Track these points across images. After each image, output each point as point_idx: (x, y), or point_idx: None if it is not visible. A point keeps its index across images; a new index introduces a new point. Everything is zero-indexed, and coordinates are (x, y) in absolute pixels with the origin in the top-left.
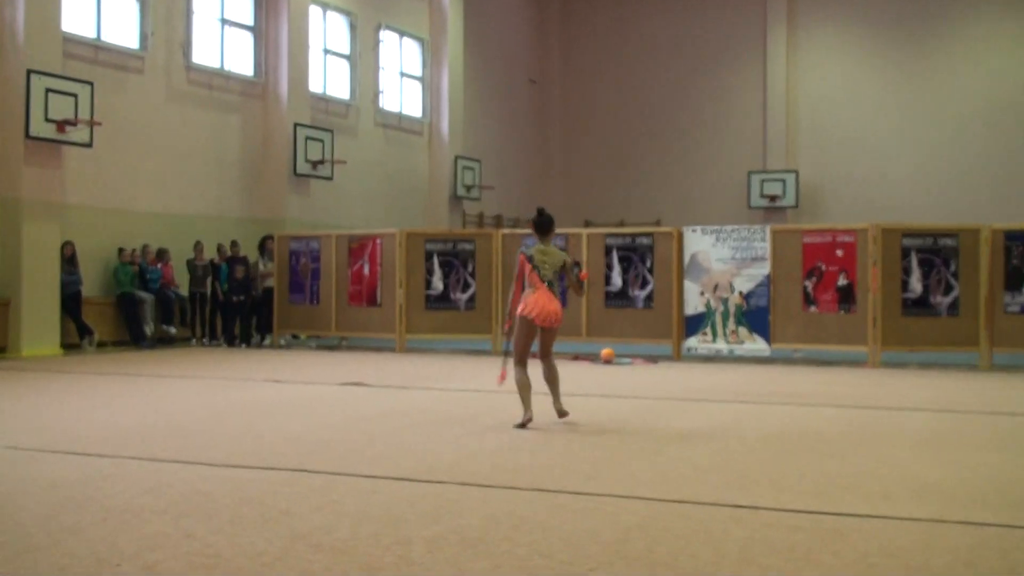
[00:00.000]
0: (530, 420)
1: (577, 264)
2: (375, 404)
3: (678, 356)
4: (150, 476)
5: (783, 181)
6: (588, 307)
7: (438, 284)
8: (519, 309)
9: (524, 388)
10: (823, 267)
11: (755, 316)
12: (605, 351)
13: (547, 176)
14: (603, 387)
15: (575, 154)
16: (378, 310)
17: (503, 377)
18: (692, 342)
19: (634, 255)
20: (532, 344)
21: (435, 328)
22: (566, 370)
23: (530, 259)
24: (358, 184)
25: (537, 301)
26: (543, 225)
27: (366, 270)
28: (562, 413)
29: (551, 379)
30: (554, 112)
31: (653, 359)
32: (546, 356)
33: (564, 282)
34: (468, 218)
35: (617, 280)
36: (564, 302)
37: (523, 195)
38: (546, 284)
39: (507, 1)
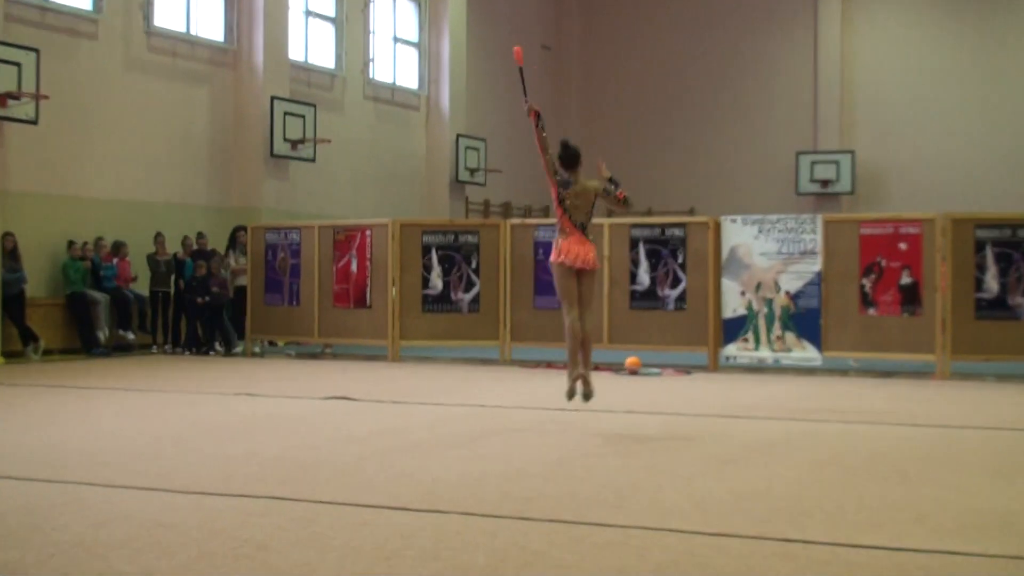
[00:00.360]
0: (575, 392)
1: (613, 182)
2: (364, 421)
3: (715, 366)
4: (105, 505)
5: (836, 163)
6: (610, 309)
7: (437, 283)
8: (552, 256)
9: (573, 337)
10: (883, 263)
11: (804, 320)
12: (630, 360)
13: None
14: (628, 402)
15: (596, 132)
16: (367, 313)
17: (518, 54)
18: (731, 350)
19: (664, 249)
20: (575, 286)
21: (434, 334)
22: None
23: (562, 202)
24: (345, 167)
25: (569, 247)
26: (569, 159)
27: (354, 266)
28: (587, 392)
29: (583, 341)
30: (572, 84)
31: (686, 369)
32: (585, 310)
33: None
34: (472, 206)
35: (644, 278)
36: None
37: (535, 179)
38: (579, 228)
39: None
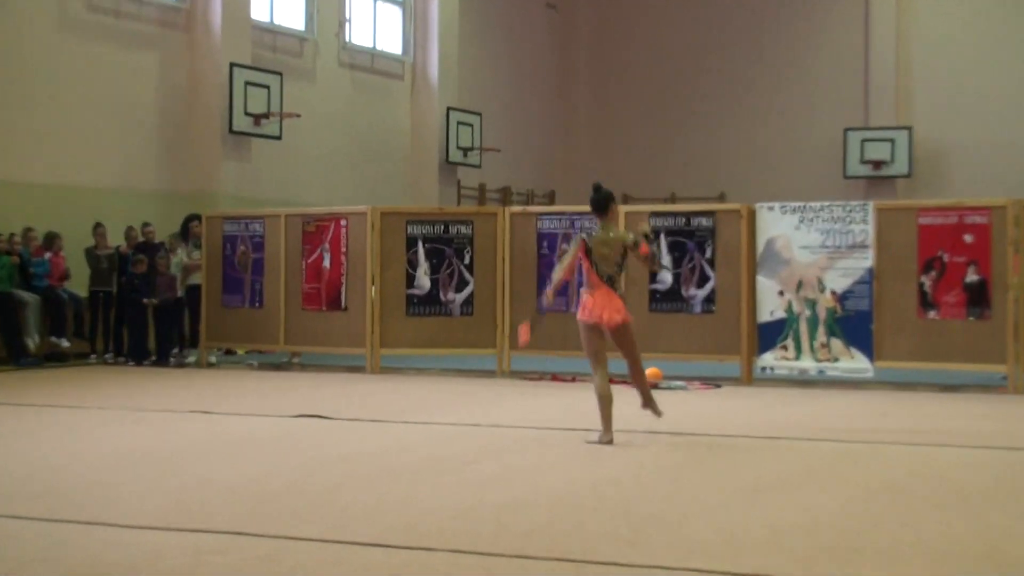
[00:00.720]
0: (610, 442)
1: (647, 237)
2: (339, 444)
3: (749, 378)
4: (36, 541)
5: (891, 142)
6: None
7: (424, 281)
8: (578, 314)
9: (602, 400)
10: (946, 258)
11: (853, 324)
12: (649, 371)
13: (571, 135)
14: (648, 420)
15: (609, 105)
16: (342, 316)
17: (524, 336)
18: (768, 359)
19: (689, 242)
20: (603, 344)
21: (420, 341)
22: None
23: (588, 253)
24: (316, 146)
25: (595, 304)
26: (600, 203)
27: (326, 262)
28: (656, 411)
29: (637, 383)
30: (581, 49)
31: (714, 382)
32: (630, 361)
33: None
34: (465, 191)
35: (666, 276)
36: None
37: (538, 160)
38: (605, 281)
39: None
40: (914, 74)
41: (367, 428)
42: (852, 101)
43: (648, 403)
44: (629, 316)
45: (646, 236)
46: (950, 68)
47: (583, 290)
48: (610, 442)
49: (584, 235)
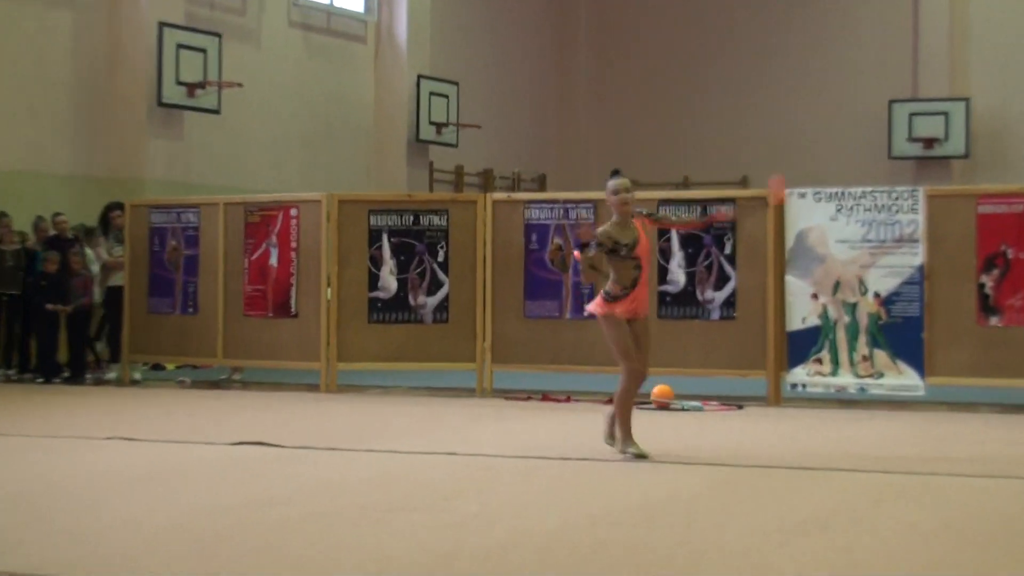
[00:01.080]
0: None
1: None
2: (288, 477)
3: (776, 398)
4: None
5: (945, 115)
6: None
7: (390, 282)
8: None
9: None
10: (1011, 253)
11: (901, 333)
12: (658, 390)
13: (567, 108)
14: (656, 447)
15: (613, 74)
16: (293, 324)
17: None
18: (799, 374)
19: (706, 235)
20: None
21: (385, 353)
22: (593, 419)
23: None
24: (262, 120)
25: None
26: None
27: (273, 259)
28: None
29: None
30: (581, 7)
31: (736, 403)
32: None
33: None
34: (439, 174)
35: (678, 275)
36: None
37: (527, 138)
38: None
39: None
40: (972, 35)
41: (321, 458)
42: (898, 68)
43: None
44: (595, 309)
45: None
46: (1016, 27)
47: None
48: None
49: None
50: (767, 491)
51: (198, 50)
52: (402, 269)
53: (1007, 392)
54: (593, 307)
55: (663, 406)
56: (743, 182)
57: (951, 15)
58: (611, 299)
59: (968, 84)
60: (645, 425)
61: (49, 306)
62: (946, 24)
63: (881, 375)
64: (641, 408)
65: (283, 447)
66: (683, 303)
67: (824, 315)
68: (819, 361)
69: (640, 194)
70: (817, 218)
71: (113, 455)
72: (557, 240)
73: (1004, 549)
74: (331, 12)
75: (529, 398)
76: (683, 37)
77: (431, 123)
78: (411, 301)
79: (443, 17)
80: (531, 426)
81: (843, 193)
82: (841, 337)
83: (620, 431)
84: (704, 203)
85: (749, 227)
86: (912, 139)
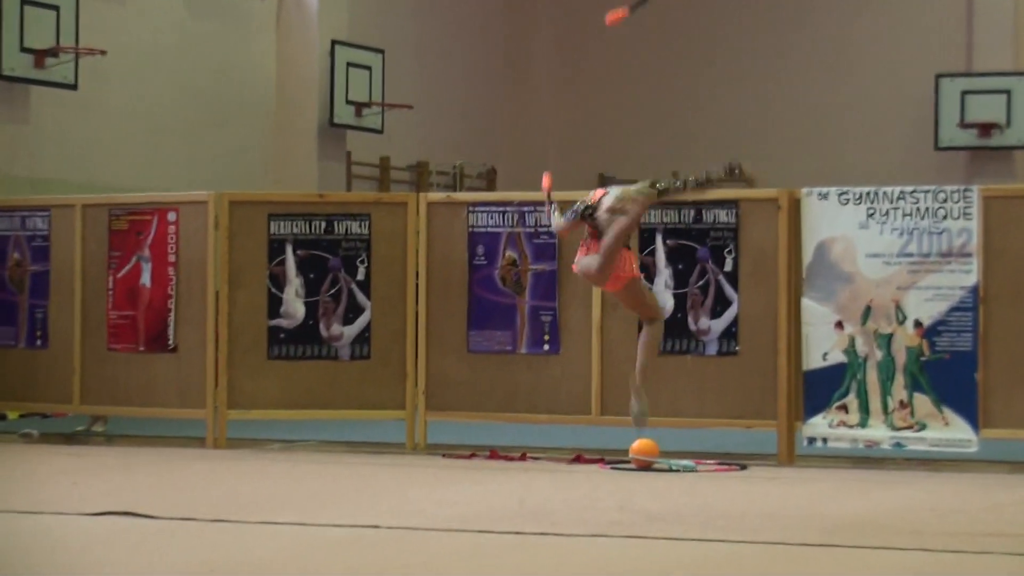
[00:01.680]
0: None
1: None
2: (162, 556)
3: (790, 455)
4: None
5: (1007, 94)
6: (605, 354)
7: (295, 306)
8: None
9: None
10: None
11: (949, 372)
12: (640, 445)
13: (523, 86)
14: (636, 519)
15: (579, 43)
16: (171, 362)
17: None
18: (819, 425)
19: (700, 247)
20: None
21: (289, 399)
22: (563, 483)
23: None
24: (131, 98)
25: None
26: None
27: (145, 278)
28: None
29: (640, 343)
30: None
31: (738, 462)
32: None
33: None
34: (359, 168)
35: (664, 298)
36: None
37: (472, 124)
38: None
39: None
40: None
41: (207, 533)
42: (948, 33)
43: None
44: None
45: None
46: None
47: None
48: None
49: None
50: (775, 573)
51: (48, 7)
52: (311, 290)
53: None
54: (631, 268)
55: (646, 465)
56: (748, 180)
57: None
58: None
59: None
60: (625, 491)
61: None
62: None
63: (923, 426)
64: (618, 468)
65: (158, 518)
66: (672, 334)
67: (851, 350)
68: (844, 408)
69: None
70: (843, 226)
71: None
72: (511, 253)
73: None
74: None
75: (473, 455)
76: None
77: (349, 103)
78: (323, 331)
79: None
80: (476, 491)
81: (876, 193)
82: (872, 378)
83: (642, 377)
84: (698, 205)
85: (756, 237)
86: (964, 124)
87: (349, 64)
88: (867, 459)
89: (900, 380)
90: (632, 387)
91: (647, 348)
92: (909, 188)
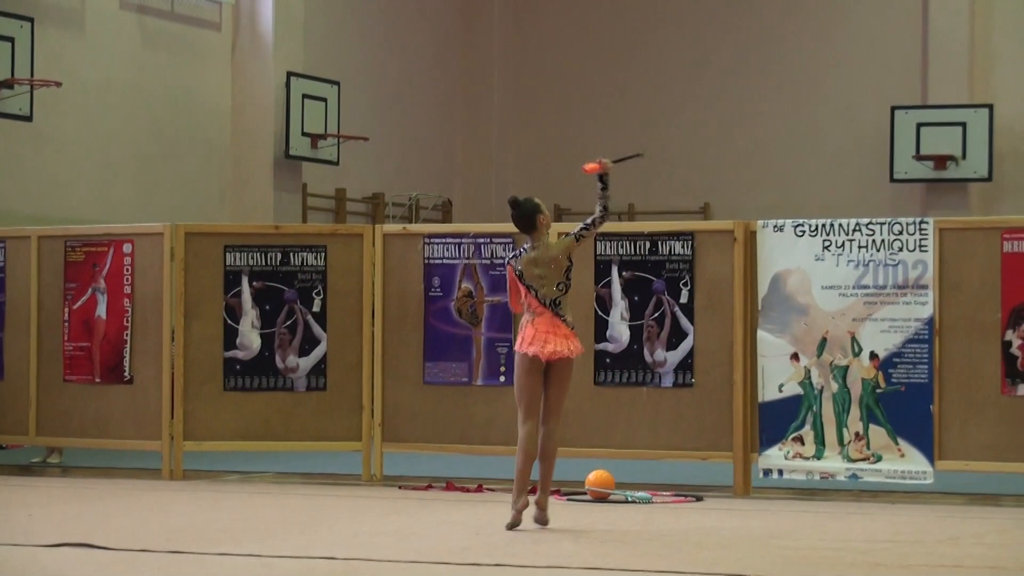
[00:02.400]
0: (517, 524)
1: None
2: None
3: (745, 487)
4: None
5: (961, 127)
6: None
7: (251, 338)
8: (516, 344)
9: (523, 454)
10: None
11: (904, 404)
12: (596, 476)
13: (478, 118)
14: (591, 553)
15: (535, 74)
16: (127, 393)
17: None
18: (774, 457)
19: (656, 279)
20: (540, 389)
21: (245, 430)
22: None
23: (520, 276)
24: (86, 129)
25: (536, 331)
26: (524, 218)
27: (101, 309)
28: (542, 517)
29: (544, 455)
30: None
31: (694, 493)
32: (551, 415)
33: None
34: (314, 200)
35: (620, 331)
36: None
37: (428, 156)
38: (548, 306)
39: None
40: (996, 23)
41: (163, 564)
42: (904, 67)
43: (541, 503)
44: (578, 348)
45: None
46: None
47: (524, 318)
48: (525, 506)
49: (511, 258)
50: None
51: (3, 38)
52: (267, 322)
53: None
54: (575, 345)
55: (602, 497)
56: (704, 211)
57: (971, 7)
58: (522, 330)
59: (991, 88)
60: (576, 520)
61: None
62: (964, 9)
63: (878, 458)
64: (574, 500)
65: (114, 550)
66: (627, 366)
67: (807, 382)
68: (800, 440)
69: (570, 226)
70: (798, 258)
71: None
72: (466, 285)
73: None
74: None
75: (430, 487)
76: (627, 28)
77: (304, 134)
78: (279, 363)
79: (320, 1)
80: (432, 523)
81: (832, 225)
82: (828, 410)
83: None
84: (654, 237)
85: (712, 269)
86: (920, 156)
87: (305, 96)
88: (823, 491)
89: (856, 412)
90: (540, 508)
91: (552, 460)
92: (865, 220)
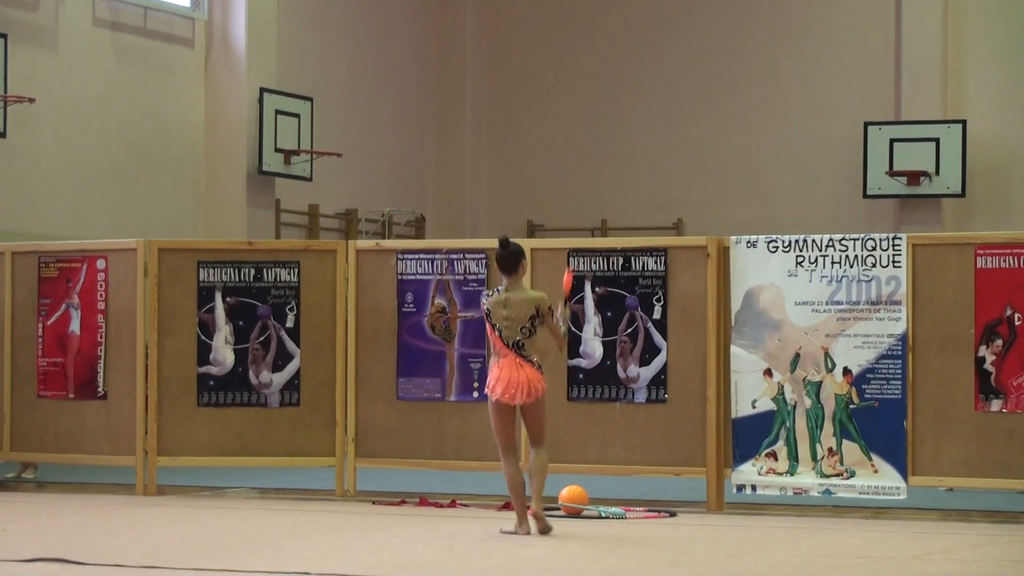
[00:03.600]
0: (527, 533)
1: (565, 303)
2: None
3: (719, 503)
4: None
5: (935, 142)
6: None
7: (225, 354)
8: (486, 386)
9: (514, 490)
10: (1017, 319)
11: (877, 420)
12: (569, 492)
13: (452, 134)
14: (570, 566)
15: (508, 91)
16: (100, 408)
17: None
18: (748, 473)
19: (629, 295)
20: (512, 427)
21: (218, 446)
22: (492, 530)
23: (487, 314)
24: (59, 146)
25: (500, 374)
26: (505, 261)
27: (75, 325)
28: (542, 526)
29: (533, 471)
30: (468, 6)
31: (667, 508)
32: (535, 441)
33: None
34: (288, 216)
35: (593, 347)
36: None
37: (401, 172)
38: (512, 347)
39: None
40: (969, 39)
41: None
42: (877, 83)
43: (537, 514)
44: (540, 389)
45: (565, 303)
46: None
47: (492, 360)
48: (527, 533)
49: (484, 296)
50: None
51: None
52: (240, 338)
53: (1010, 497)
54: (540, 385)
55: (575, 512)
56: (677, 227)
57: (944, 15)
58: (490, 373)
59: (963, 104)
60: (553, 539)
61: None
62: (937, 26)
63: (852, 474)
64: (549, 516)
65: (88, 565)
66: (600, 381)
67: (780, 397)
68: (773, 456)
69: (546, 243)
70: (771, 274)
71: None
72: (439, 301)
73: None
74: (148, 7)
75: (403, 502)
76: (600, 43)
77: (277, 150)
78: (252, 379)
79: (293, 15)
80: (406, 538)
81: (804, 241)
82: (801, 426)
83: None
84: (627, 253)
85: (685, 285)
86: (893, 172)
87: (278, 112)
88: (796, 506)
89: (829, 428)
90: (538, 519)
91: (543, 475)
92: (838, 236)
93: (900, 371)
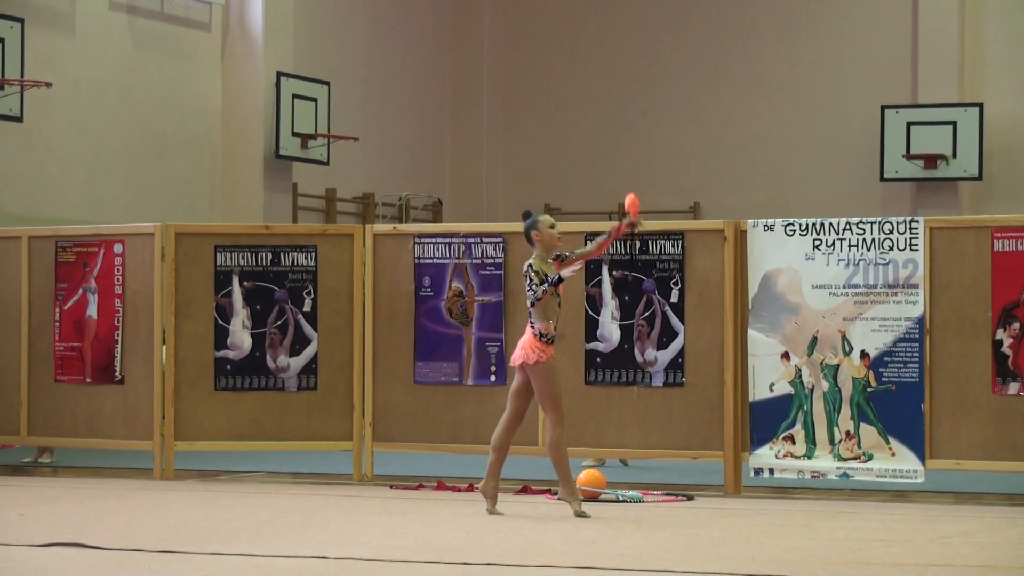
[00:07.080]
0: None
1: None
2: None
3: (736, 486)
4: None
5: (952, 125)
6: None
7: (242, 338)
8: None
9: (492, 449)
10: None
11: (895, 403)
12: (587, 476)
13: (469, 119)
14: (583, 553)
15: (525, 74)
16: (117, 393)
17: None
18: (765, 456)
19: (646, 279)
20: (519, 394)
21: (236, 430)
22: (509, 514)
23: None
24: (77, 130)
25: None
26: (525, 234)
27: (92, 309)
28: (576, 511)
29: (548, 447)
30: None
31: (685, 492)
32: (546, 416)
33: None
34: (305, 200)
35: (611, 330)
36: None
37: (418, 156)
38: (529, 314)
39: None
40: (986, 25)
41: (155, 563)
42: (894, 67)
43: (563, 494)
44: (532, 358)
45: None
46: None
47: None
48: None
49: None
50: None
51: None
52: (258, 322)
53: None
54: (531, 354)
55: (593, 496)
56: (694, 210)
57: (961, 8)
58: (548, 341)
59: (980, 88)
60: (572, 523)
61: None
62: (954, 9)
63: (869, 457)
64: (564, 501)
65: (106, 549)
66: (617, 365)
67: (797, 381)
68: (790, 439)
69: (562, 226)
70: (788, 257)
71: None
72: (457, 284)
73: None
74: None
75: (421, 486)
76: (617, 26)
77: (295, 135)
78: (269, 363)
79: (312, 3)
80: (423, 522)
81: (822, 225)
82: (819, 409)
83: (565, 485)
84: (644, 236)
85: (702, 268)
86: (910, 155)
87: (295, 96)
88: (814, 490)
89: (846, 411)
90: (568, 495)
91: (561, 453)
92: (855, 219)
93: (917, 354)
